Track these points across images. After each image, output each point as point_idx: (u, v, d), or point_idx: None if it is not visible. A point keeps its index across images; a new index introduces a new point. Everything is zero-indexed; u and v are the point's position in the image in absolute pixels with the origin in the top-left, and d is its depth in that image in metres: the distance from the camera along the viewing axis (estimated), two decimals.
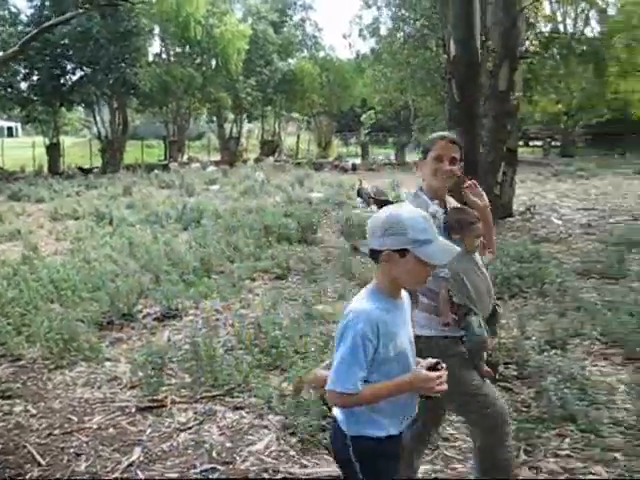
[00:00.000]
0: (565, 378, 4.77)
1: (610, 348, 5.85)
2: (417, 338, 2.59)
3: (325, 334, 5.99)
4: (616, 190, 19.14)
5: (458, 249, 2.41)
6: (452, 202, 3.33)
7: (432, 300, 3.11)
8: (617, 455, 4.00)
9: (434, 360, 2.38)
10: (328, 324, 6.51)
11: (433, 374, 2.32)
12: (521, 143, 40.29)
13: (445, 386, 2.34)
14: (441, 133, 3.35)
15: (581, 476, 3.79)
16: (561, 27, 32.76)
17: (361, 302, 2.36)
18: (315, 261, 9.45)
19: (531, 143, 40.73)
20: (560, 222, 13.05)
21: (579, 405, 4.45)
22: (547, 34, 17.11)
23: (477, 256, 3.22)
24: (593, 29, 35.92)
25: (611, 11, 35.68)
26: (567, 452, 3.99)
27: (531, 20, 16.31)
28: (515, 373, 5.32)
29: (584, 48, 19.61)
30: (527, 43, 13.18)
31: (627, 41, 16.13)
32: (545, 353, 5.62)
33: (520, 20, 6.22)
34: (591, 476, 3.79)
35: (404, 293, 2.47)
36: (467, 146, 4.94)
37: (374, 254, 2.37)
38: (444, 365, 2.37)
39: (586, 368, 5.34)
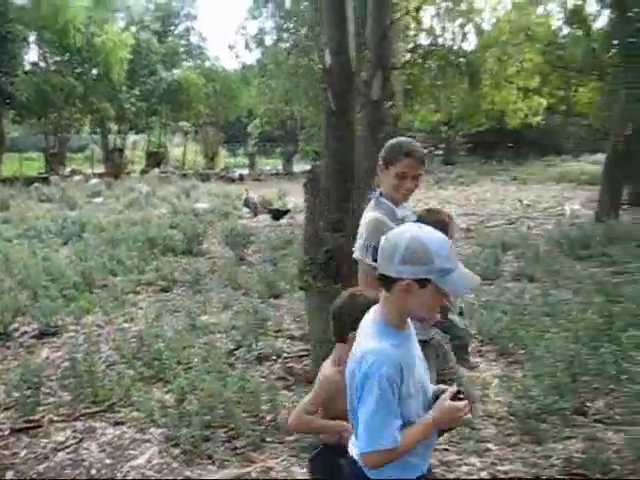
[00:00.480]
0: None
1: (485, 345, 6.12)
2: None
3: (209, 344, 5.98)
4: (494, 196, 20.04)
5: (478, 278, 2.17)
6: (408, 205, 3.31)
7: None
8: (490, 445, 4.19)
9: (454, 389, 2.15)
10: (212, 334, 6.50)
11: (460, 404, 2.11)
12: None
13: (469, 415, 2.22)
14: (407, 147, 3.16)
15: (455, 467, 3.95)
16: (441, 40, 34.35)
17: (375, 341, 2.07)
18: (200, 272, 9.37)
19: None
20: None
21: None
22: (426, 46, 17.70)
23: None
24: (470, 43, 37.68)
25: (487, 26, 37.62)
26: (443, 446, 4.13)
27: (411, 32, 16.91)
28: None
29: (461, 60, 20.37)
30: (404, 54, 13.68)
31: (498, 55, 17.07)
32: None
33: (392, 32, 6.47)
34: (465, 467, 3.95)
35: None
36: (343, 154, 5.06)
37: (388, 281, 2.07)
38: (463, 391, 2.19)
39: None
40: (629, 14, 13.72)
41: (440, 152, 38.06)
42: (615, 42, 13.82)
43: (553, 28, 19.07)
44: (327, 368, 2.75)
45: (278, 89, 18.36)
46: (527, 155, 39.23)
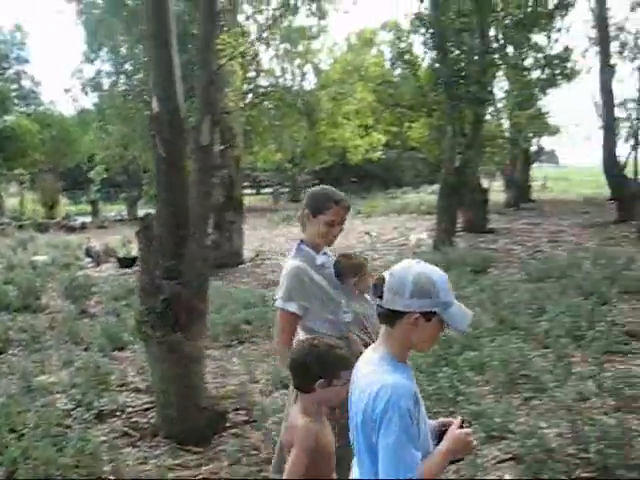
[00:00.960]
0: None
1: None
2: None
3: (46, 406, 5.64)
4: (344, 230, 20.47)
5: (471, 312, 2.23)
6: (327, 250, 3.37)
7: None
8: None
9: (459, 419, 2.23)
10: (51, 395, 6.14)
11: (468, 431, 2.19)
12: (253, 191, 41.81)
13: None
14: (335, 195, 3.25)
15: None
16: (281, 81, 35.19)
17: (389, 375, 2.10)
18: (38, 329, 8.85)
19: (263, 191, 42.28)
20: None
21: None
22: (264, 87, 18.04)
23: (367, 296, 3.27)
24: (310, 83, 38.91)
25: (325, 66, 39.05)
26: None
27: (251, 74, 17.18)
28: (245, 418, 5.41)
29: (300, 100, 20.91)
30: (242, 96, 13.83)
31: (334, 94, 17.75)
32: (273, 394, 5.82)
33: (220, 76, 6.54)
34: None
35: None
36: (175, 201, 5.00)
37: (393, 316, 2.14)
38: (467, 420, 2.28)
39: None
40: (450, 56, 14.73)
41: (286, 190, 38.62)
42: (439, 81, 14.68)
43: (386, 68, 20.02)
44: (298, 419, 2.57)
45: (115, 134, 18.00)
46: (370, 189, 40.70)
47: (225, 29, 7.85)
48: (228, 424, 5.23)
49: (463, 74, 14.26)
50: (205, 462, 4.64)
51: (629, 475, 4.15)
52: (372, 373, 2.16)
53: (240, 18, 16.59)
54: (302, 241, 3.29)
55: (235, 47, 6.94)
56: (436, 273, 2.16)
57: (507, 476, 4.25)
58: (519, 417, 5.07)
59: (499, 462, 4.43)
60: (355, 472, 2.29)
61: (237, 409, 5.56)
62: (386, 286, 2.15)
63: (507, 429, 4.80)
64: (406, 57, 17.20)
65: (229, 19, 12.51)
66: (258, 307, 8.63)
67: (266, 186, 41.86)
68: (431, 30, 14.74)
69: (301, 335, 3.24)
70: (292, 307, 3.11)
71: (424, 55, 17.89)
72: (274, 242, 18.18)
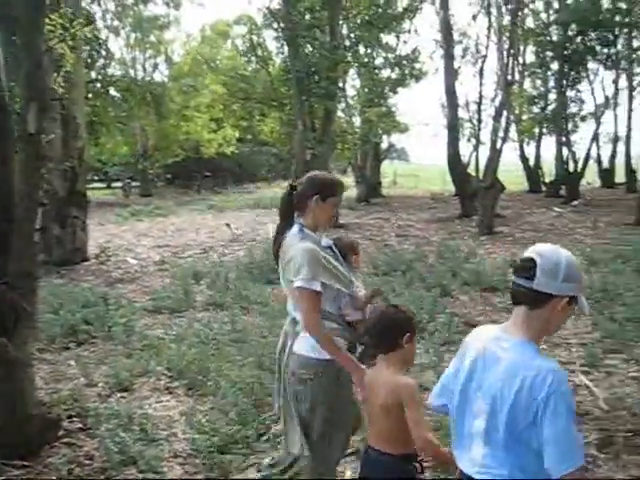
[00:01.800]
0: (123, 422, 4.71)
1: (175, 381, 5.97)
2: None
3: None
4: (191, 225, 20.10)
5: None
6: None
7: (339, 324, 3.29)
8: None
9: None
10: None
11: None
12: (103, 185, 40.23)
13: None
14: (339, 181, 3.44)
15: None
16: (132, 71, 33.96)
17: (545, 360, 2.11)
18: None
19: (114, 185, 40.65)
20: (135, 262, 13.16)
21: (138, 446, 4.41)
22: (110, 77, 17.30)
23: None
24: (162, 74, 37.85)
25: (178, 58, 38.14)
26: None
27: (100, 62, 16.41)
28: (79, 425, 5.08)
29: (150, 92, 20.28)
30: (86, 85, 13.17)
31: (184, 87, 17.33)
32: (110, 398, 5.53)
33: (47, 61, 6.08)
34: None
35: None
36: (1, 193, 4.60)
37: (540, 298, 2.12)
38: None
39: (152, 406, 5.37)
40: (301, 51, 14.79)
41: (136, 184, 37.33)
42: (290, 76, 14.69)
43: (239, 62, 19.80)
44: (393, 378, 2.76)
45: None
46: (225, 183, 40.30)
47: (61, 10, 7.35)
48: (62, 432, 4.89)
49: (314, 69, 14.34)
50: (33, 477, 4.30)
51: None
52: (520, 357, 2.12)
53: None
54: (303, 225, 3.31)
55: (67, 29, 6.52)
56: (574, 257, 2.21)
57: None
58: None
59: None
60: (473, 453, 2.23)
61: (71, 416, 5.20)
62: (539, 268, 2.13)
63: None
64: (258, 51, 17.11)
65: (71, 2, 11.81)
66: (99, 306, 8.21)
67: (116, 180, 40.31)
68: (282, 25, 14.72)
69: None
70: (317, 286, 3.14)
71: (277, 50, 17.93)
72: (121, 238, 17.47)
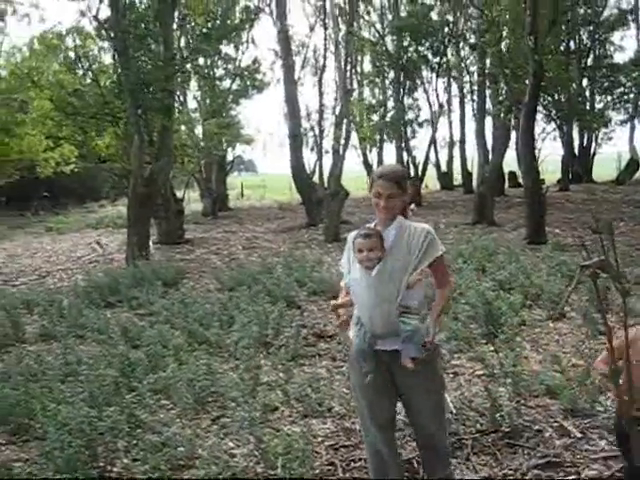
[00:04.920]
0: None
1: None
2: None
3: None
4: (27, 250, 18.83)
5: None
6: (404, 223, 3.42)
7: None
8: None
9: None
10: None
11: None
12: None
13: None
14: (381, 170, 3.46)
15: None
16: None
17: None
18: None
19: None
20: None
21: None
22: None
23: (375, 272, 3.26)
24: None
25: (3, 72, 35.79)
26: None
27: None
28: None
29: None
30: None
31: (6, 101, 16.26)
32: None
33: None
34: None
35: None
36: None
37: None
38: None
39: None
40: (134, 62, 14.16)
41: None
42: (123, 88, 14.04)
43: (69, 75, 18.71)
44: None
45: None
46: (66, 204, 38.32)
47: None
48: None
49: (148, 81, 13.77)
50: None
51: None
52: None
53: None
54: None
55: None
56: None
57: None
58: (207, 440, 4.77)
59: None
60: None
61: None
62: None
63: (194, 456, 4.47)
64: (86, 63, 16.25)
65: None
66: None
67: None
68: (112, 34, 14.05)
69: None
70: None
71: (110, 63, 17.13)
72: None
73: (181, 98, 25.89)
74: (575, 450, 4.30)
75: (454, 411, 4.96)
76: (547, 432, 4.57)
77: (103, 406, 4.99)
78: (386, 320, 3.24)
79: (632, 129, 32.30)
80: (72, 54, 16.36)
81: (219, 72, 28.30)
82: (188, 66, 21.95)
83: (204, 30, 19.19)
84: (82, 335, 7.89)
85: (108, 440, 4.61)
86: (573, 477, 3.97)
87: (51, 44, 20.14)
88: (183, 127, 23.12)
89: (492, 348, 6.49)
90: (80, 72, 17.38)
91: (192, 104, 28.50)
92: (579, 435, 4.49)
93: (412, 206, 3.67)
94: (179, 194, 20.33)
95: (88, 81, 16.80)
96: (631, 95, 26.96)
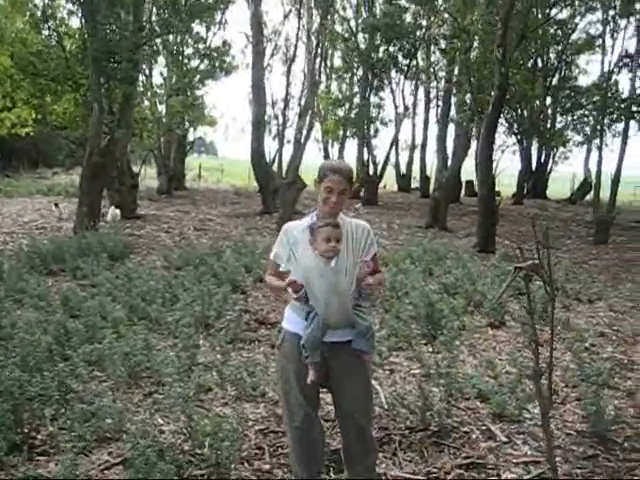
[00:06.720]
0: None
1: None
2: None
3: None
4: None
5: None
6: (345, 219, 3.45)
7: None
8: None
9: None
10: None
11: None
12: None
13: None
14: (334, 165, 3.42)
15: None
16: None
17: None
18: None
19: None
20: None
21: None
22: None
23: (333, 263, 3.24)
24: None
25: None
26: None
27: None
28: None
29: None
30: None
31: None
32: None
33: None
34: None
35: None
36: None
37: None
38: None
39: None
40: (101, 29, 13.82)
41: None
42: (87, 54, 13.72)
43: (33, 35, 18.21)
44: None
45: None
46: (18, 168, 37.38)
47: None
48: None
49: (114, 50, 13.49)
50: None
51: (242, 470, 4.05)
52: None
53: None
54: (315, 208, 3.47)
55: None
56: None
57: None
58: (137, 415, 4.73)
59: (106, 468, 4.01)
60: None
61: None
62: None
63: (122, 430, 4.42)
64: (51, 23, 15.79)
65: None
66: None
67: None
68: None
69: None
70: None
71: (79, 27, 16.72)
72: None
73: (147, 72, 25.47)
74: (499, 453, 4.38)
75: (386, 407, 5.01)
76: (474, 434, 4.65)
77: (34, 372, 4.89)
78: (342, 310, 3.26)
79: (588, 151, 33.03)
80: (39, 13, 15.87)
81: (188, 51, 27.94)
82: (158, 41, 21.65)
83: (174, 3, 18.86)
84: (20, 300, 7.70)
85: (36, 407, 4.53)
86: (494, 479, 4.04)
87: (17, 2, 19.62)
88: (147, 102, 22.82)
89: (430, 349, 6.59)
90: (45, 32, 16.90)
91: (158, 79, 28.15)
92: (504, 439, 4.58)
93: (358, 205, 3.72)
94: (135, 169, 20.04)
95: (53, 43, 16.34)
96: (590, 118, 27.49)
